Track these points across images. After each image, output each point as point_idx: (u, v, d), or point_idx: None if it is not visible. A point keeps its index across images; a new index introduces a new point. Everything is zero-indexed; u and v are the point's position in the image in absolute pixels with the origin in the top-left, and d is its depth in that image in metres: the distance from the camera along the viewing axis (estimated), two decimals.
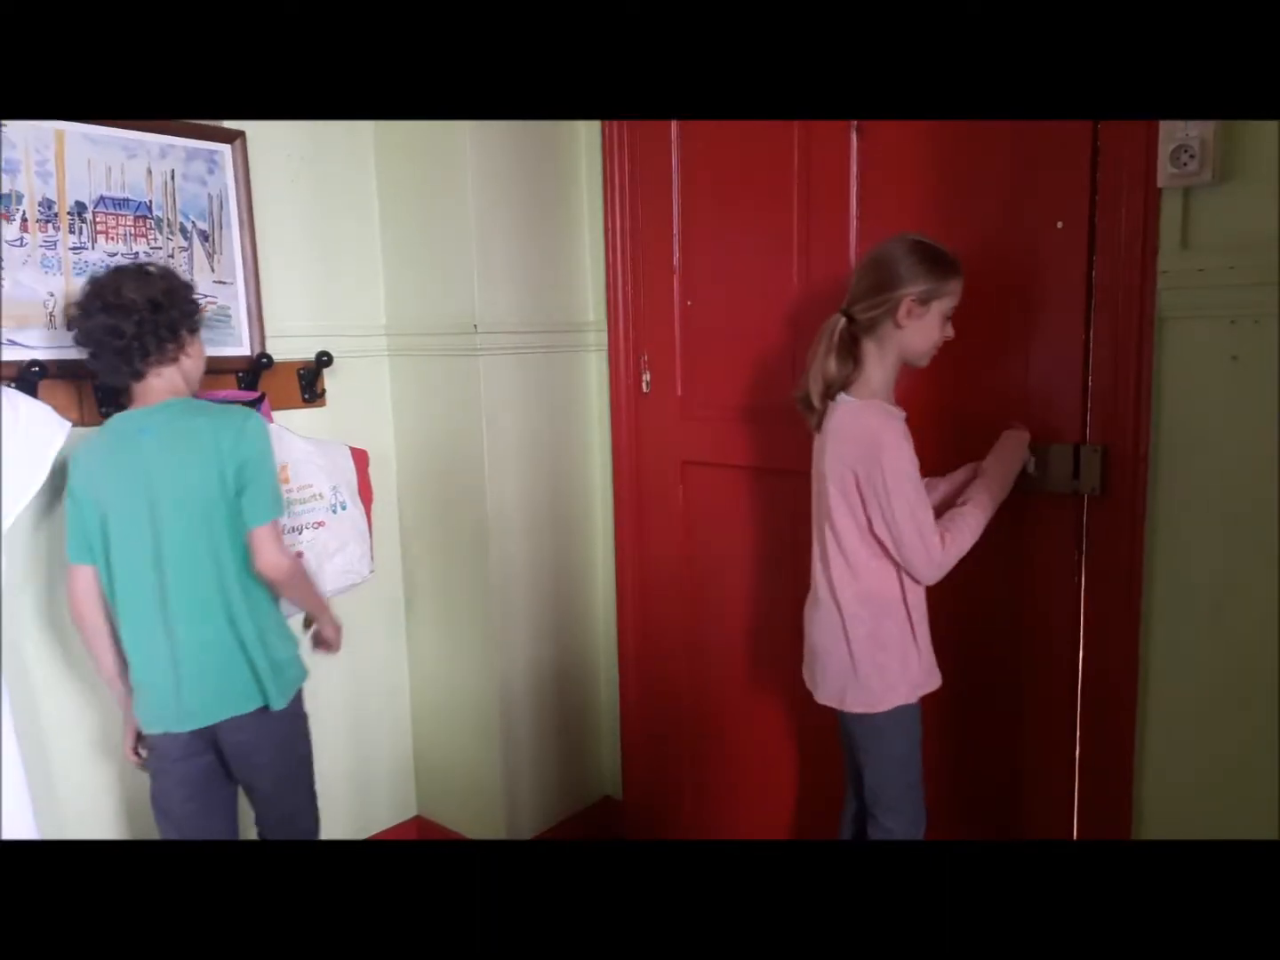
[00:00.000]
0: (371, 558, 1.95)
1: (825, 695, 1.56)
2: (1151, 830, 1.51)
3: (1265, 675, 1.36)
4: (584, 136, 2.13)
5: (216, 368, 1.81)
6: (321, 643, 1.74)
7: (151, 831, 1.68)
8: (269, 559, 1.51)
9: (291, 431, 1.84)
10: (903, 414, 1.49)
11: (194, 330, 1.57)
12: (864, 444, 1.43)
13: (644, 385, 2.13)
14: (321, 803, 1.71)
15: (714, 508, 2.06)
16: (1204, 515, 1.40)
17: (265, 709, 1.54)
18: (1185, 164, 1.32)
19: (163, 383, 1.53)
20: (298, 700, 1.62)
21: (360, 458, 1.97)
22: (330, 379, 2.03)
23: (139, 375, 1.50)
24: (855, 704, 1.51)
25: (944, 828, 1.76)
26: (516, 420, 2.07)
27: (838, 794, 1.76)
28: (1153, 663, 1.47)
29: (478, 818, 2.17)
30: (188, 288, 1.57)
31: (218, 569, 1.51)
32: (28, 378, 1.55)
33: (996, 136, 1.55)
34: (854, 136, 1.71)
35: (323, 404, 2.03)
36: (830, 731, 1.84)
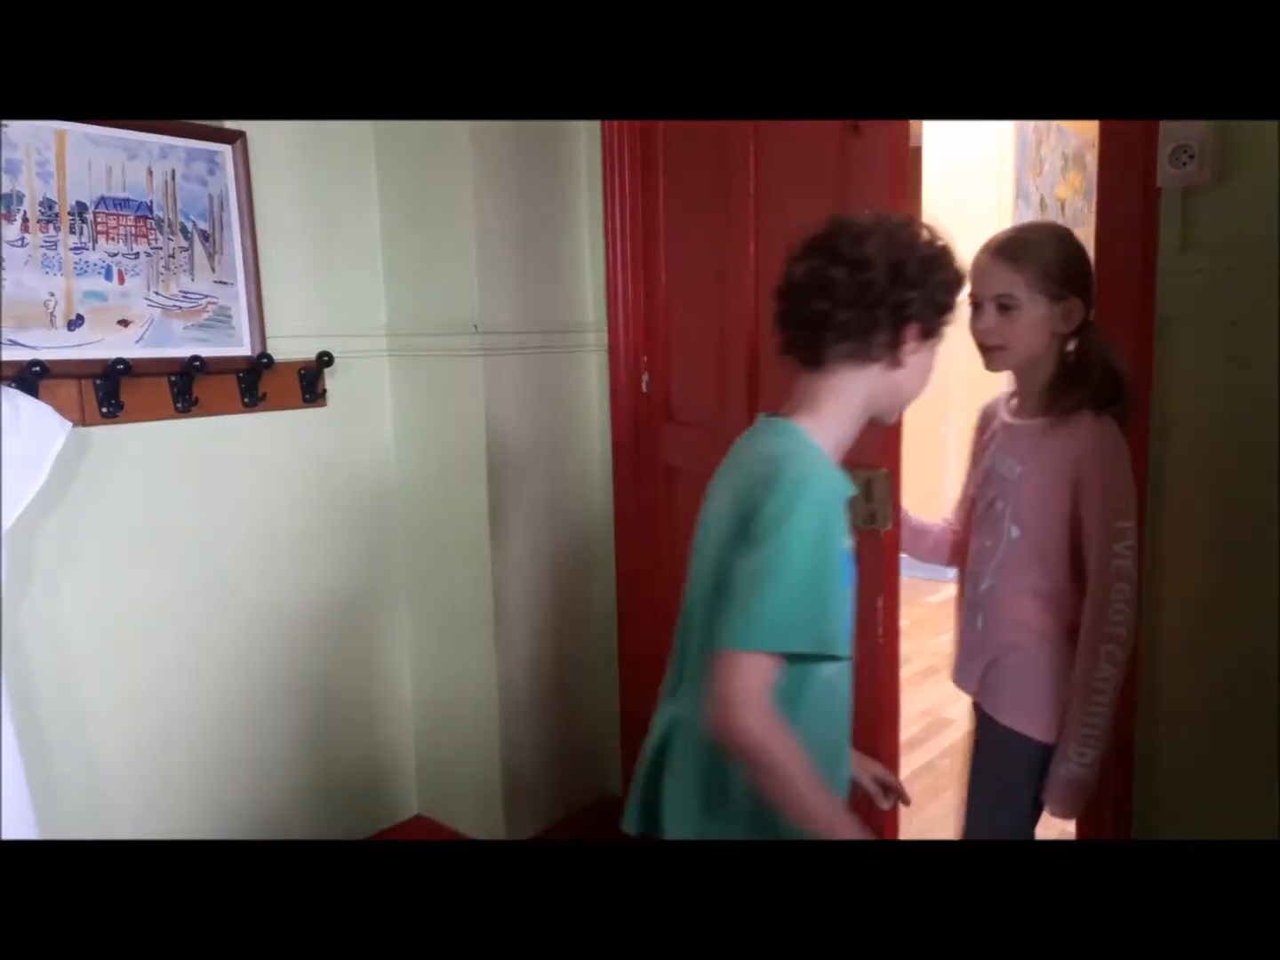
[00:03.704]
0: None
1: None
2: (1151, 830, 1.51)
3: (1266, 675, 1.36)
4: (584, 136, 2.13)
5: (217, 368, 1.81)
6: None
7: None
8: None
9: None
10: None
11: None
12: None
13: (643, 385, 2.13)
14: (322, 802, 1.71)
15: None
16: (1204, 516, 1.40)
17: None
18: (1185, 164, 1.32)
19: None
20: None
21: None
22: (331, 379, 2.03)
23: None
24: None
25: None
26: (516, 420, 2.07)
27: None
28: (1153, 663, 1.47)
29: (478, 817, 2.17)
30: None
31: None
32: (28, 378, 1.55)
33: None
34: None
35: (323, 404, 2.03)
36: None
